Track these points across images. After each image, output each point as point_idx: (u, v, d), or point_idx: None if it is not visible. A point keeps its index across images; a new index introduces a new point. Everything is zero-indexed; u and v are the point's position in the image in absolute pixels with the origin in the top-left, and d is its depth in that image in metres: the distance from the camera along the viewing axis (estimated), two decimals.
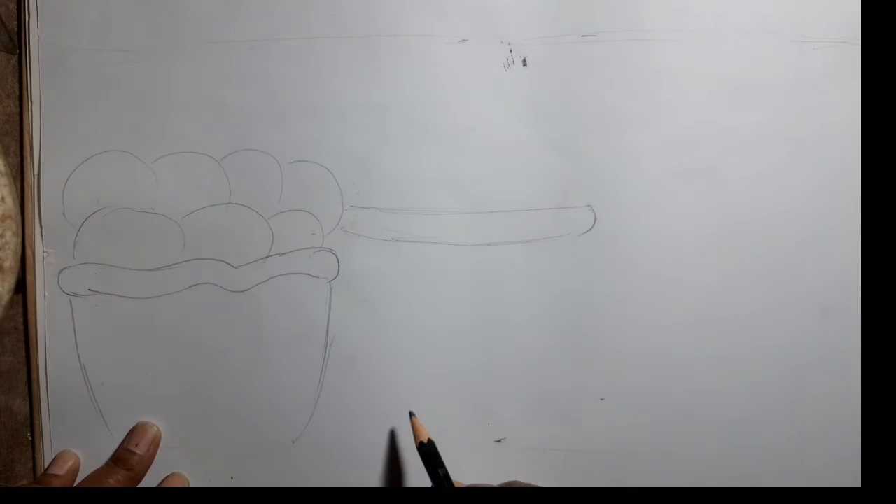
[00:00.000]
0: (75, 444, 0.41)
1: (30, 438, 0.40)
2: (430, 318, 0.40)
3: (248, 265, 0.40)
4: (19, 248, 0.39)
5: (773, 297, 0.39)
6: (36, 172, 0.39)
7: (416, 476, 0.41)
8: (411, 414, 0.40)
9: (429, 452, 0.37)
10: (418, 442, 0.38)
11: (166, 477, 0.41)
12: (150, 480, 0.41)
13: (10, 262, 0.38)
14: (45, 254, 0.40)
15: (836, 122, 0.39)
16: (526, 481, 0.41)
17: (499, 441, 0.41)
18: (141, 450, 0.40)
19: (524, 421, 0.41)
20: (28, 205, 0.39)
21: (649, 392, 0.40)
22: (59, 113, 0.39)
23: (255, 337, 0.40)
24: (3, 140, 0.39)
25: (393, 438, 0.41)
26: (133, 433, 0.40)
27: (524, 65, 0.39)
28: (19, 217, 0.39)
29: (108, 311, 0.40)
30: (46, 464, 0.40)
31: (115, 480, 0.39)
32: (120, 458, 0.40)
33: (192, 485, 0.41)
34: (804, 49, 0.39)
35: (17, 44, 0.39)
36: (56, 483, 0.39)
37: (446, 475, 0.36)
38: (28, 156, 0.39)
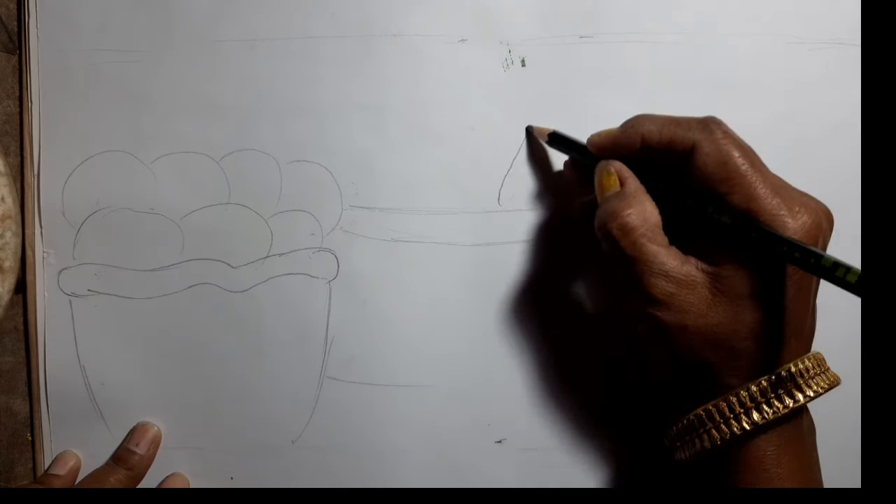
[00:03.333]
0: (75, 445, 0.41)
1: (30, 438, 0.40)
2: (429, 319, 0.40)
3: (248, 265, 0.40)
4: (19, 249, 0.39)
5: None
6: (36, 172, 0.39)
7: (418, 476, 0.41)
8: (529, 128, 0.39)
9: (559, 139, 0.37)
10: (546, 137, 0.38)
11: (166, 477, 0.41)
12: (150, 481, 0.41)
13: (10, 263, 0.38)
14: (45, 254, 0.40)
15: (833, 123, 0.39)
16: (527, 483, 0.41)
17: (499, 442, 0.41)
18: (141, 449, 0.40)
19: (525, 422, 0.41)
20: (28, 205, 0.39)
21: (651, 392, 0.40)
22: (59, 113, 0.39)
23: (255, 337, 0.40)
24: (3, 140, 0.39)
25: None
26: (133, 433, 0.40)
27: (523, 65, 0.39)
28: (19, 217, 0.39)
29: (108, 311, 0.40)
30: (46, 464, 0.40)
31: (116, 479, 0.39)
32: (120, 457, 0.40)
33: (192, 485, 0.41)
34: (800, 51, 0.39)
35: (17, 44, 0.39)
36: (57, 483, 0.39)
37: (584, 145, 0.35)
38: (28, 156, 0.39)
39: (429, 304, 0.40)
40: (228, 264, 0.40)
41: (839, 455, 0.37)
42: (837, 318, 0.39)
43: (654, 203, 0.32)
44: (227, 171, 0.39)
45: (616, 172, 0.33)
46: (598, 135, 0.35)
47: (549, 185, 0.39)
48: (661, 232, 0.32)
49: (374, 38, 0.39)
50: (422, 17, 0.39)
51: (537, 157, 0.39)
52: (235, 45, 0.39)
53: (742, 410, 0.31)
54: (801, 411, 0.33)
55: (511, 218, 0.40)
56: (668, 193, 0.33)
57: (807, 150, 0.39)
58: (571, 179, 0.38)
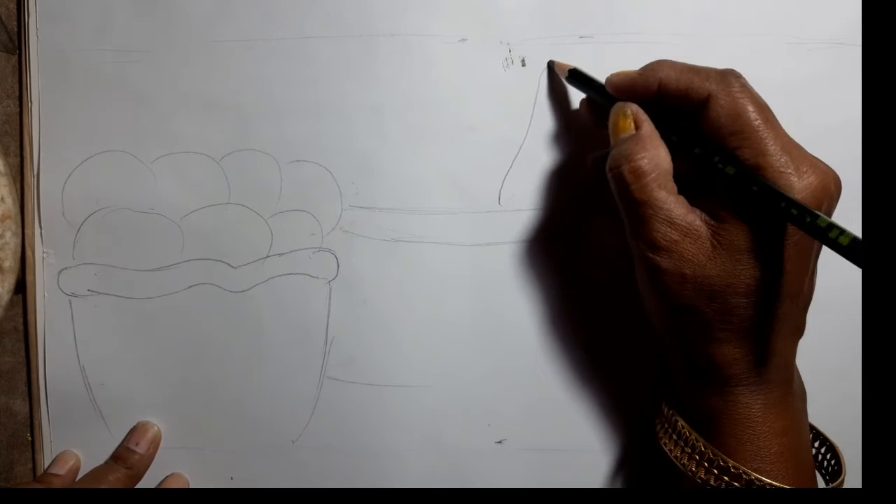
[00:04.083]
0: (75, 444, 0.41)
1: (30, 438, 0.40)
2: (429, 319, 0.40)
3: (248, 265, 0.40)
4: (19, 249, 0.39)
5: None
6: (36, 172, 0.39)
7: (418, 476, 0.41)
8: (551, 63, 0.39)
9: (579, 76, 0.37)
10: (566, 74, 0.37)
11: (166, 477, 0.41)
12: (149, 481, 0.41)
13: (10, 263, 0.38)
14: (44, 254, 0.40)
15: (832, 124, 0.39)
16: (526, 483, 0.41)
17: (499, 442, 0.41)
18: (141, 449, 0.40)
19: (525, 422, 0.40)
20: (28, 205, 0.39)
21: (653, 391, 0.40)
22: (59, 113, 0.39)
23: (255, 337, 0.40)
24: (3, 140, 0.39)
25: None
26: (133, 433, 0.40)
27: (523, 65, 0.39)
28: (19, 217, 0.39)
29: (108, 311, 0.40)
30: (46, 464, 0.40)
31: (115, 478, 0.39)
32: (120, 456, 0.40)
33: (192, 485, 0.41)
34: (800, 51, 0.39)
35: (17, 44, 0.39)
36: (56, 483, 0.39)
37: (602, 85, 0.35)
38: (28, 156, 0.39)
39: (429, 304, 0.40)
40: (228, 264, 0.40)
41: None
42: (838, 318, 0.39)
43: (667, 149, 0.33)
44: (227, 171, 0.39)
45: (632, 115, 0.33)
46: (618, 75, 0.35)
47: (552, 183, 0.39)
48: (671, 179, 0.32)
49: (375, 38, 0.39)
50: (422, 16, 0.39)
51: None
52: (235, 46, 0.39)
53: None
54: (792, 377, 0.33)
55: (511, 218, 0.40)
56: (680, 144, 0.33)
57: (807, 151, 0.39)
58: (587, 119, 0.38)
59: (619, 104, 0.34)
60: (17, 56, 0.39)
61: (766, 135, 0.30)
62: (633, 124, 0.33)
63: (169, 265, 0.40)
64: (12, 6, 0.39)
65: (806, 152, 0.31)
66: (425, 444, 0.41)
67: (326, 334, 0.40)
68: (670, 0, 0.39)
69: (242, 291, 0.40)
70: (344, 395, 0.40)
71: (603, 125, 0.35)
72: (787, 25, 0.39)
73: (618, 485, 0.41)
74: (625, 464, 0.41)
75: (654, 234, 0.31)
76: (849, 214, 0.38)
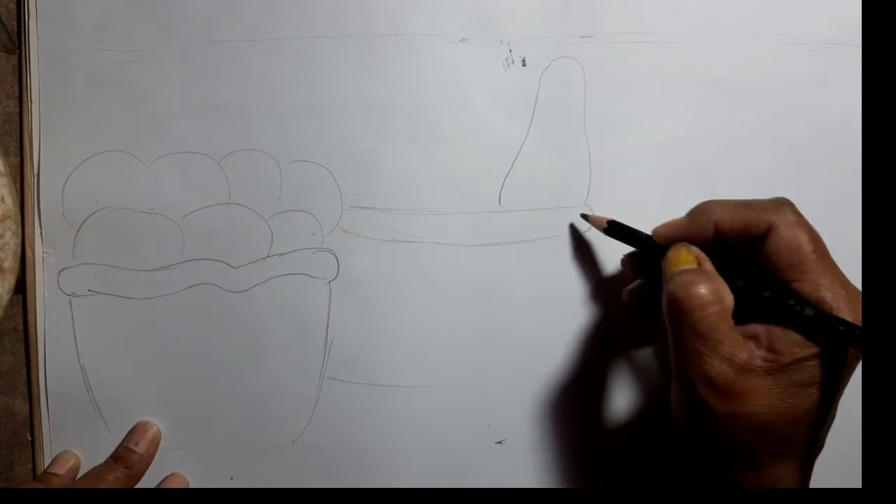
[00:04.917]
0: (75, 445, 0.41)
1: (30, 439, 0.40)
2: (429, 319, 0.40)
3: (248, 265, 0.40)
4: (19, 249, 0.39)
5: None
6: (36, 172, 0.39)
7: (418, 476, 0.41)
8: (585, 216, 0.38)
9: (619, 229, 0.36)
10: (603, 228, 0.37)
11: (166, 477, 0.41)
12: (149, 480, 0.41)
13: (10, 263, 0.38)
14: (44, 254, 0.40)
15: (831, 124, 0.39)
16: (527, 483, 0.41)
17: (500, 442, 0.41)
18: (141, 448, 0.40)
19: (525, 422, 0.40)
20: (28, 205, 0.39)
21: (651, 391, 0.40)
22: (59, 113, 0.39)
23: (255, 337, 0.40)
24: (3, 140, 0.39)
25: None
26: (133, 432, 0.40)
27: (524, 65, 0.39)
28: (19, 217, 0.39)
29: (108, 311, 0.40)
30: (46, 464, 0.40)
31: (115, 478, 0.39)
32: (120, 456, 0.40)
33: (192, 485, 0.41)
34: (800, 51, 0.39)
35: (16, 44, 0.39)
36: (56, 482, 0.39)
37: (648, 236, 0.34)
38: (28, 156, 0.39)
39: (429, 304, 0.40)
40: (228, 264, 0.40)
41: (839, 455, 0.37)
42: None
43: (728, 288, 0.31)
44: (227, 171, 0.39)
45: (695, 253, 0.32)
46: (665, 226, 0.34)
47: (552, 183, 0.39)
48: (731, 317, 0.31)
49: (375, 38, 0.39)
50: (422, 16, 0.39)
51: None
52: (236, 45, 0.39)
53: None
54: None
55: (511, 218, 0.40)
56: (746, 288, 0.32)
57: (807, 151, 0.39)
58: (629, 274, 0.37)
59: (681, 243, 0.33)
60: (17, 56, 0.39)
61: (823, 268, 0.30)
62: (695, 259, 0.32)
63: (169, 265, 0.40)
64: (12, 6, 0.39)
65: (853, 286, 0.31)
66: (425, 445, 0.41)
67: (326, 334, 0.40)
68: (670, 0, 0.39)
69: (242, 291, 0.40)
70: (344, 395, 0.40)
71: (648, 277, 0.34)
72: (787, 25, 0.39)
73: (618, 485, 0.41)
74: (625, 464, 0.41)
75: (711, 371, 0.30)
76: (849, 214, 0.39)
